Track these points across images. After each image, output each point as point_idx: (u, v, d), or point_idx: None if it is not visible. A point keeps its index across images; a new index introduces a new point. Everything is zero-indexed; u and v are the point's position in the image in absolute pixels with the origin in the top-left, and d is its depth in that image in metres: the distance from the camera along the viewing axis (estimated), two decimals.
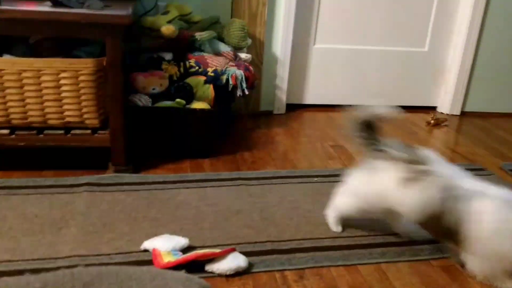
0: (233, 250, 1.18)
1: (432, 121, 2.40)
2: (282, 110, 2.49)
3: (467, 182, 1.13)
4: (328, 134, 2.21)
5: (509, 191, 1.10)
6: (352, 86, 2.57)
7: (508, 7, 2.48)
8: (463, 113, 2.64)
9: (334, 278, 1.17)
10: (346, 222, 1.39)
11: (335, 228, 1.37)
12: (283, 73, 2.40)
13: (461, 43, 2.50)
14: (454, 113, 2.62)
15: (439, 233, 1.19)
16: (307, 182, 1.67)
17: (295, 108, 2.55)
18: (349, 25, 2.46)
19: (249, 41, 2.17)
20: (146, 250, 1.21)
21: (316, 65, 2.51)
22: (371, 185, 1.23)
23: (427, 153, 1.20)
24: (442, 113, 2.64)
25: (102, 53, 1.62)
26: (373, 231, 1.37)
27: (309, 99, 2.58)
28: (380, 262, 1.23)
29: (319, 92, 2.56)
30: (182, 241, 1.21)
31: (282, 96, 2.46)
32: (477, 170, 1.86)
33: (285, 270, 1.18)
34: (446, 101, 2.63)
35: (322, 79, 2.54)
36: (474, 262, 1.13)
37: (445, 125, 2.44)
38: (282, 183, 1.65)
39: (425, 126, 2.41)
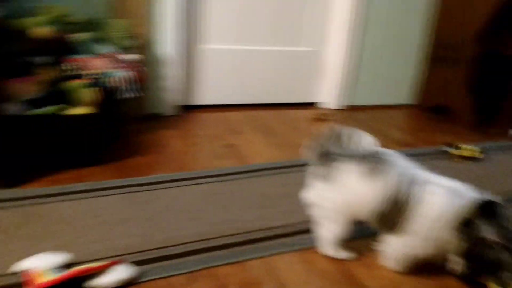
0: (118, 262, 1.14)
1: (317, 116, 2.52)
2: (175, 111, 2.45)
3: (419, 170, 1.20)
4: (221, 134, 2.22)
5: (454, 181, 1.19)
6: (242, 86, 2.62)
7: (389, 4, 2.69)
8: (347, 107, 2.82)
9: (225, 277, 1.17)
10: (234, 218, 1.41)
11: (344, 255, 1.30)
12: (174, 74, 2.37)
13: (342, 42, 2.66)
14: (338, 108, 2.79)
15: (389, 222, 1.19)
16: (198, 184, 1.66)
17: (188, 109, 2.54)
18: (237, 26, 2.50)
19: (135, 41, 2.11)
20: (21, 272, 1.12)
21: (207, 65, 2.51)
22: (336, 189, 1.21)
23: (381, 148, 1.26)
24: (329, 108, 2.79)
25: None
26: (261, 225, 1.41)
27: (202, 100, 2.58)
28: (268, 255, 1.27)
29: (211, 92, 2.57)
30: (63, 258, 1.14)
31: (174, 98, 2.43)
32: None
33: (174, 275, 1.16)
34: (330, 97, 2.78)
35: (213, 80, 2.55)
36: (399, 245, 1.20)
37: (330, 120, 2.58)
38: (172, 187, 1.62)
39: (310, 121, 2.53)
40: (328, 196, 1.23)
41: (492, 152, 2.26)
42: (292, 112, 2.64)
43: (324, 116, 2.56)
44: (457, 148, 2.12)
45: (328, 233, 1.27)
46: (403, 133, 2.47)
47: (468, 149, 2.11)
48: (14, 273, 1.11)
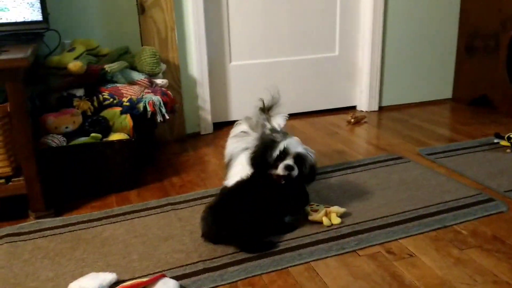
0: (163, 276, 1.16)
1: (352, 120, 2.50)
2: (209, 129, 2.50)
3: None
4: None
5: None
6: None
7: (405, 5, 2.65)
8: (381, 108, 2.78)
9: (266, 285, 1.18)
10: None
11: None
12: (203, 93, 2.42)
13: (368, 44, 2.64)
14: (372, 109, 2.75)
15: None
16: None
17: (222, 126, 2.57)
18: (261, 40, 2.53)
19: (163, 66, 2.18)
20: None
21: (235, 81, 2.55)
22: None
23: None
24: (361, 111, 2.76)
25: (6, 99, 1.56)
26: (303, 232, 1.40)
27: (234, 115, 2.61)
28: (309, 261, 1.26)
29: (242, 107, 2.60)
30: (109, 277, 1.18)
31: (207, 116, 2.47)
32: (395, 159, 1.96)
33: (217, 286, 1.18)
34: (363, 99, 2.75)
35: (243, 95, 2.58)
36: None
37: (365, 122, 2.54)
38: None
39: (345, 125, 2.51)
40: None
41: None
42: (326, 118, 2.63)
43: (359, 118, 2.52)
44: (509, 138, 2.03)
45: None
46: (445, 128, 2.40)
47: None
48: None
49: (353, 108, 2.79)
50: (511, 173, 1.77)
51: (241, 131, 1.64)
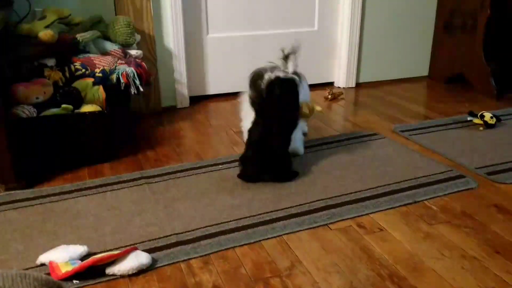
0: (134, 249, 1.16)
1: (329, 96, 2.50)
2: (186, 103, 2.47)
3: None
4: (233, 121, 2.22)
5: None
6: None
7: None
8: (358, 85, 2.79)
9: (239, 258, 1.19)
10: (249, 202, 1.42)
11: None
12: (180, 66, 2.38)
13: (347, 19, 2.63)
14: (350, 86, 2.76)
15: None
16: (212, 171, 1.68)
17: (199, 100, 2.55)
18: (239, 12, 2.49)
19: (138, 37, 2.13)
20: (43, 264, 1.15)
21: (213, 54, 2.51)
22: None
23: None
24: (339, 87, 2.76)
25: None
26: (276, 206, 1.41)
27: (212, 89, 2.59)
28: (282, 235, 1.27)
29: (220, 81, 2.57)
30: (80, 249, 1.17)
31: (184, 90, 2.44)
32: (370, 135, 1.98)
33: (190, 259, 1.18)
34: (341, 76, 2.75)
35: (221, 68, 2.55)
36: None
37: (342, 98, 2.55)
38: (187, 176, 1.64)
39: (323, 101, 2.51)
40: None
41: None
42: None
43: (336, 95, 2.53)
44: (482, 116, 2.06)
45: None
46: (421, 106, 2.43)
47: (490, 116, 2.04)
48: (41, 265, 1.15)
49: (330, 84, 2.80)
50: (482, 151, 1.81)
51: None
